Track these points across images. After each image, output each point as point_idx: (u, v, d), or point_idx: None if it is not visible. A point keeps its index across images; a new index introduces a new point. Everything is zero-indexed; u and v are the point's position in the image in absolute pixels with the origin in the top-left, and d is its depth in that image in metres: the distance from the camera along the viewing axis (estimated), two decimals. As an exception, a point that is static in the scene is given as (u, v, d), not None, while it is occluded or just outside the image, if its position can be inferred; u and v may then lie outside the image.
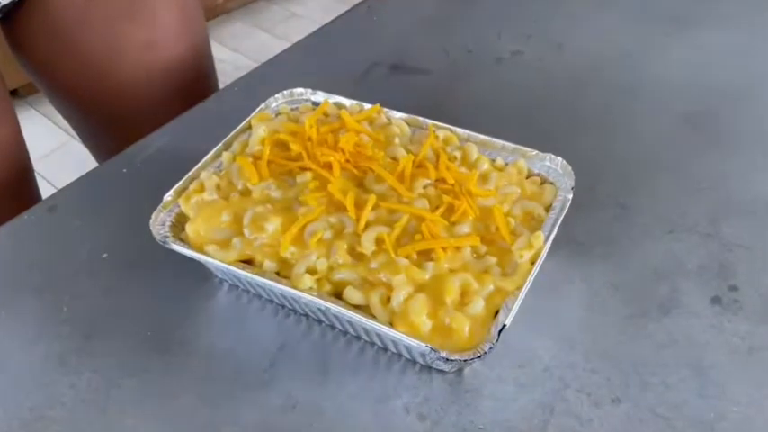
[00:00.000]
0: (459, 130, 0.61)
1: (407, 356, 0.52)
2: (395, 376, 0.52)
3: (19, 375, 0.55)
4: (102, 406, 0.52)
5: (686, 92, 0.75)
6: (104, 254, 0.63)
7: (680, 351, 0.52)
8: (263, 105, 0.66)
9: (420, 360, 0.52)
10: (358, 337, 0.54)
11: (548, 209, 0.55)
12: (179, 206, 0.58)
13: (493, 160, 0.59)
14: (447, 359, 0.45)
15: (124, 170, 0.72)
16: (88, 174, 0.72)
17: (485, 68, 0.80)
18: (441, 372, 0.52)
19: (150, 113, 0.83)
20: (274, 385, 0.52)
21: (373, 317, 0.48)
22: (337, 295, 0.51)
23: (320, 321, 0.55)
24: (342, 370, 0.53)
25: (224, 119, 0.71)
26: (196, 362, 0.54)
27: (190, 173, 0.60)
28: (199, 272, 0.59)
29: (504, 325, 0.46)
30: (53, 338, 0.57)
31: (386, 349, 0.53)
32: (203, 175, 0.59)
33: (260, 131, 0.60)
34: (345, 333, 0.55)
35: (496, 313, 0.48)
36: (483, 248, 0.51)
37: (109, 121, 0.88)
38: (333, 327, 0.55)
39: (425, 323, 0.47)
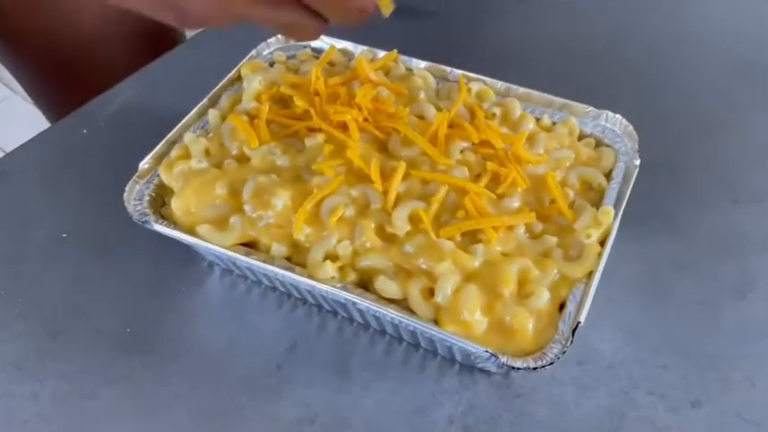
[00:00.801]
0: (496, 83, 0.51)
1: (444, 354, 0.44)
2: (431, 379, 0.43)
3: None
4: (71, 422, 0.42)
5: (742, 39, 0.66)
6: (64, 233, 0.52)
7: (762, 342, 0.44)
8: (253, 53, 0.55)
9: (460, 358, 0.43)
10: (383, 332, 0.45)
11: (607, 176, 0.46)
12: (158, 176, 0.47)
13: (537, 119, 0.49)
14: (512, 367, 0.36)
15: (84, 131, 0.60)
16: (42, 134, 0.60)
17: (505, 8, 0.70)
18: (485, 372, 0.43)
19: (114, 63, 0.71)
20: (286, 393, 0.43)
21: (411, 312, 0.39)
22: (364, 286, 0.41)
23: (335, 313, 0.46)
24: (367, 372, 0.44)
25: (201, 69, 0.60)
26: (187, 365, 0.45)
27: (169, 135, 0.49)
28: (183, 254, 0.49)
29: (579, 322, 0.37)
30: (7, 339, 0.47)
31: (417, 346, 0.44)
32: (187, 137, 0.48)
33: (255, 84, 0.49)
34: (367, 327, 0.46)
35: (561, 306, 0.40)
36: (538, 226, 0.42)
37: (65, 73, 0.75)
38: (351, 319, 0.46)
39: (480, 321, 0.38)
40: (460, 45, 0.64)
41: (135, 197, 0.46)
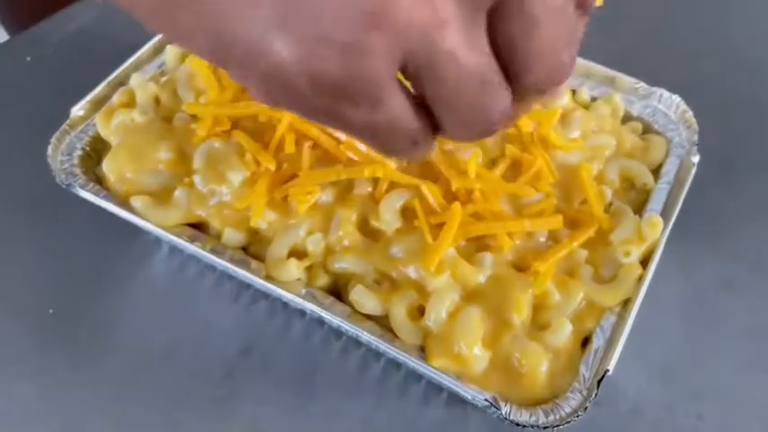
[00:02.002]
0: (526, 41, 0.41)
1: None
2: (413, 406, 0.35)
3: None
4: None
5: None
6: (-12, 182, 0.44)
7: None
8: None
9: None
10: (358, 342, 0.37)
11: (655, 173, 0.36)
12: (95, 125, 0.37)
13: (573, 91, 0.39)
14: (516, 423, 0.28)
15: (28, 58, 0.51)
16: (-25, 58, 0.51)
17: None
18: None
19: None
20: (234, 411, 0.35)
21: (393, 334, 0.31)
22: (337, 293, 0.32)
23: (303, 312, 0.38)
24: (336, 392, 0.36)
25: None
26: (117, 364, 0.37)
27: (114, 73, 0.39)
28: (126, 223, 0.40)
29: (607, 370, 0.29)
30: None
31: (399, 364, 0.36)
32: (135, 78, 0.38)
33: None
34: (340, 334, 0.37)
35: (585, 341, 0.31)
36: (564, 232, 0.33)
37: None
38: (322, 322, 0.37)
39: (480, 356, 0.29)
40: None
41: (63, 152, 0.36)
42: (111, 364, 0.37)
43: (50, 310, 0.39)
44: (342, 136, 0.34)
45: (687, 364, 0.37)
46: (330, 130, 0.34)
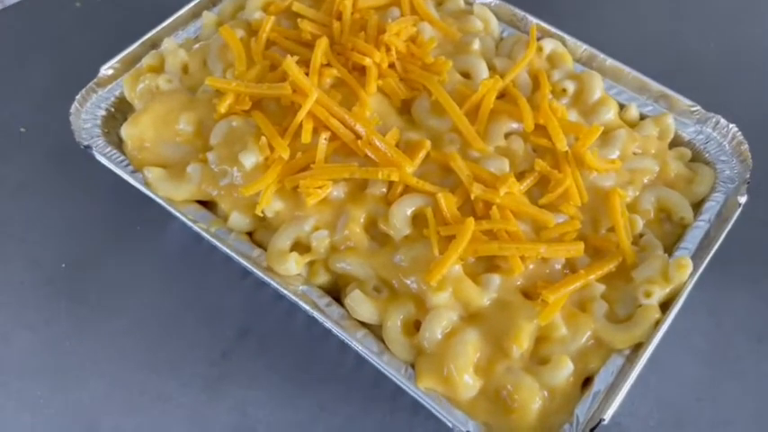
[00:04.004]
0: (580, 45, 0.38)
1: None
2: (403, 415, 0.34)
3: None
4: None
5: None
6: (22, 127, 0.44)
7: None
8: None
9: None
10: (359, 340, 0.36)
11: (697, 207, 0.34)
12: (120, 86, 0.37)
13: (622, 106, 0.37)
14: (496, 461, 0.27)
15: (78, 4, 0.50)
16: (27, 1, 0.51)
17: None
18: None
19: None
20: (224, 392, 0.36)
21: (385, 347, 0.30)
22: (337, 293, 0.31)
23: (309, 302, 0.37)
24: (328, 388, 0.36)
25: None
26: (118, 327, 0.38)
27: (150, 33, 0.39)
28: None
29: (602, 420, 0.27)
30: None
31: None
32: (167, 42, 0.37)
33: (264, -10, 0.38)
34: (341, 331, 0.36)
35: (586, 381, 0.29)
36: (584, 260, 0.31)
37: None
38: (325, 315, 0.37)
39: (470, 384, 0.28)
40: None
41: (88, 111, 0.36)
42: (115, 325, 0.37)
43: (63, 265, 0.39)
44: (361, 130, 0.32)
45: (702, 413, 0.35)
46: (351, 121, 0.32)
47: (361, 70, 0.35)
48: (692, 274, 0.31)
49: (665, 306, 0.30)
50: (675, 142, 0.36)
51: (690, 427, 0.34)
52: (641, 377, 0.35)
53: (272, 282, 0.31)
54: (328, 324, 0.30)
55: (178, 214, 0.33)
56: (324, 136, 0.32)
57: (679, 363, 0.37)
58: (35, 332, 0.37)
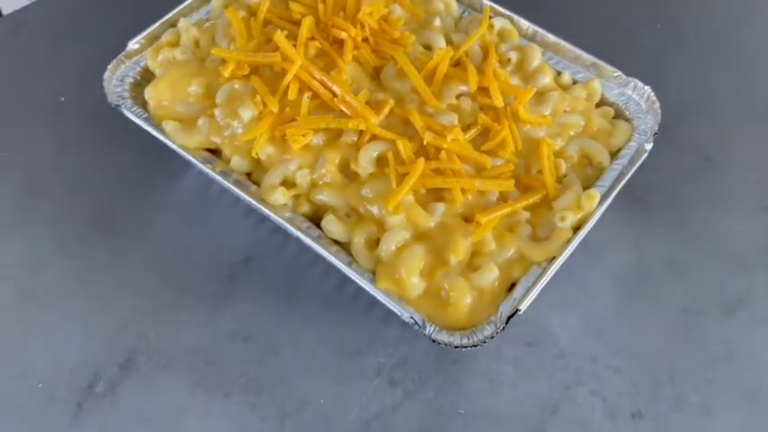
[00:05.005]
0: (523, 22, 0.45)
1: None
2: (374, 324, 0.42)
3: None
4: (27, 286, 0.44)
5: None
6: (62, 97, 0.52)
7: (735, 368, 0.40)
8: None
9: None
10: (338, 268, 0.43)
11: (614, 155, 0.41)
12: (145, 58, 0.45)
13: (558, 73, 0.44)
14: (432, 339, 0.34)
15: (109, -10, 0.59)
16: (63, -13, 0.59)
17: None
18: (429, 330, 0.42)
19: None
20: (229, 305, 0.43)
21: (353, 259, 0.37)
22: (317, 220, 0.39)
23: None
24: (313, 304, 0.43)
25: None
26: (143, 256, 0.45)
27: (168, 15, 0.47)
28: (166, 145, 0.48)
29: (518, 310, 0.35)
30: (-14, 187, 0.48)
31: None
32: (182, 22, 0.45)
33: (263, -24, 0.46)
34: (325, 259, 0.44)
35: (512, 287, 0.37)
36: (515, 194, 0.39)
37: None
38: (313, 246, 0.44)
39: (416, 285, 0.36)
40: None
41: (118, 77, 0.44)
42: (139, 255, 0.45)
43: (100, 208, 0.47)
44: (337, 90, 0.40)
45: (617, 323, 0.42)
46: (329, 83, 0.40)
47: (340, 43, 0.43)
48: (601, 203, 0.38)
49: (578, 230, 0.38)
50: (603, 103, 0.44)
51: (608, 336, 0.42)
52: (570, 298, 0.43)
53: (263, 209, 0.39)
54: (308, 242, 0.38)
55: (190, 157, 0.41)
56: (307, 95, 0.40)
57: (604, 287, 0.43)
58: (76, 259, 0.45)
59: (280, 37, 0.40)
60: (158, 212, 0.47)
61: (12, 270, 0.44)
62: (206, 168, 0.40)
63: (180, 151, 0.41)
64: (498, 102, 0.39)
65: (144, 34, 0.45)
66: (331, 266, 0.43)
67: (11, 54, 0.56)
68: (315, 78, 0.40)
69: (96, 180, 0.48)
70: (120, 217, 0.47)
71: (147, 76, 0.45)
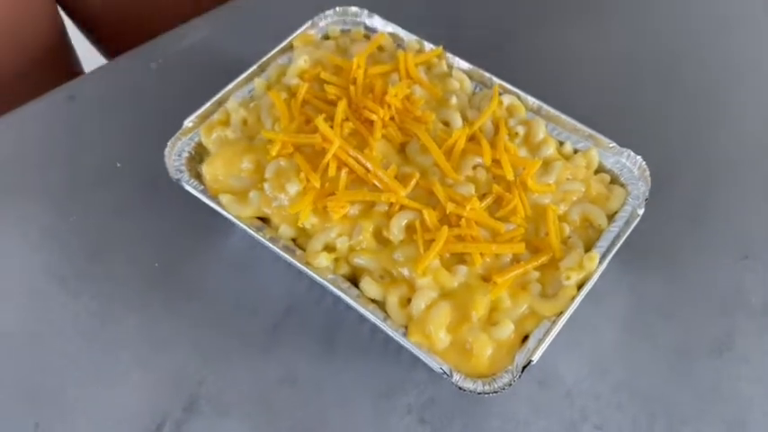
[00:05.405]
0: (530, 99, 0.52)
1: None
2: (404, 368, 0.48)
3: (15, 281, 0.53)
4: (96, 337, 0.50)
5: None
6: (118, 163, 0.59)
7: (721, 402, 0.46)
8: (309, 23, 0.57)
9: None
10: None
11: (611, 217, 0.47)
12: (198, 135, 0.51)
13: (561, 143, 0.50)
14: (459, 387, 0.40)
15: (152, 65, 0.65)
16: (112, 63, 0.66)
17: (568, 11, 0.68)
18: (453, 372, 0.48)
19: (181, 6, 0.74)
20: (276, 352, 0.49)
21: (387, 314, 0.44)
22: (354, 279, 0.45)
23: (334, 289, 0.51)
24: (350, 349, 0.49)
25: (267, 17, 0.64)
26: (198, 307, 0.51)
27: (217, 96, 0.53)
28: (216, 211, 0.54)
29: (531, 361, 0.41)
30: (56, 250, 0.54)
31: (398, 335, 0.49)
32: (230, 103, 0.52)
33: (300, 62, 0.52)
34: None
35: (526, 337, 0.43)
36: (526, 255, 0.45)
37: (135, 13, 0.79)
38: (347, 297, 0.50)
39: (443, 339, 0.42)
40: (510, 50, 0.64)
41: (176, 153, 0.51)
42: (194, 306, 0.51)
43: (156, 264, 0.53)
44: (370, 166, 0.46)
45: (618, 363, 0.48)
46: (363, 160, 0.46)
47: (370, 122, 0.49)
48: (600, 263, 0.44)
49: (582, 287, 0.44)
50: (600, 170, 0.50)
51: (610, 375, 0.47)
52: (576, 341, 0.49)
53: (309, 272, 0.45)
54: (349, 300, 0.44)
55: (244, 226, 0.47)
56: (344, 171, 0.46)
57: (605, 330, 0.49)
58: (138, 314, 0.51)
59: (320, 121, 0.46)
60: (209, 268, 0.53)
61: (83, 323, 0.50)
62: (258, 235, 0.46)
63: (234, 220, 0.47)
64: (510, 176, 0.46)
65: (197, 114, 0.52)
66: (364, 316, 0.50)
67: (69, 122, 0.62)
68: (350, 156, 0.46)
69: (153, 239, 0.54)
70: (175, 273, 0.53)
71: (200, 151, 0.52)
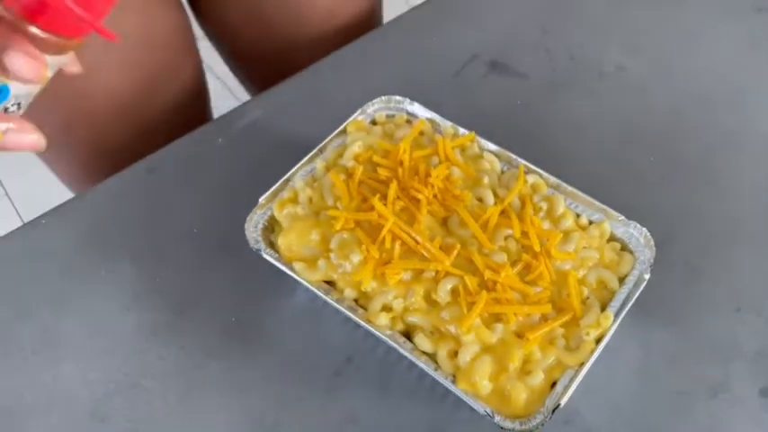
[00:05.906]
0: (551, 178, 0.61)
1: (462, 392, 0.57)
2: (449, 410, 0.56)
3: (115, 340, 0.62)
4: (187, 382, 0.59)
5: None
6: (195, 229, 0.68)
7: (717, 438, 0.55)
8: (359, 111, 0.67)
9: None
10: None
11: (622, 280, 0.56)
12: (271, 209, 0.61)
13: (577, 215, 0.59)
14: (500, 427, 0.49)
15: (219, 140, 0.75)
16: (186, 138, 0.75)
17: (586, 82, 0.78)
18: (490, 413, 0.56)
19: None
20: (338, 395, 0.58)
21: (437, 365, 0.52)
22: (407, 334, 0.54)
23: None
24: (402, 392, 0.57)
25: (323, 97, 0.75)
26: (271, 358, 0.60)
27: (285, 176, 0.63)
28: (287, 275, 0.63)
29: (559, 404, 0.49)
30: (146, 308, 0.63)
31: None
32: (297, 182, 0.61)
33: (354, 148, 0.62)
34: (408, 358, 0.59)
35: (554, 384, 0.51)
36: (552, 314, 0.54)
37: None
38: (397, 348, 0.59)
39: (486, 386, 0.51)
40: (533, 113, 0.74)
41: (253, 225, 0.60)
42: (267, 357, 0.60)
43: (233, 318, 0.63)
44: (419, 239, 0.55)
45: (630, 404, 0.56)
46: (413, 234, 0.56)
47: (417, 200, 0.58)
48: (614, 321, 0.53)
49: (599, 341, 0.53)
50: (611, 239, 0.59)
51: (623, 415, 0.56)
52: (595, 386, 0.57)
53: (371, 329, 0.54)
54: (405, 353, 0.53)
55: (314, 289, 0.56)
56: (398, 243, 0.55)
57: (619, 376, 0.58)
58: (218, 363, 0.60)
59: (376, 201, 0.56)
60: (278, 322, 0.62)
61: (179, 369, 0.59)
62: (326, 297, 0.55)
63: (306, 283, 0.56)
64: (537, 246, 0.55)
65: (270, 191, 0.61)
66: (413, 363, 0.59)
67: (148, 190, 0.72)
68: (402, 230, 0.56)
69: (228, 297, 0.64)
70: (249, 326, 0.62)
71: (271, 223, 0.61)
